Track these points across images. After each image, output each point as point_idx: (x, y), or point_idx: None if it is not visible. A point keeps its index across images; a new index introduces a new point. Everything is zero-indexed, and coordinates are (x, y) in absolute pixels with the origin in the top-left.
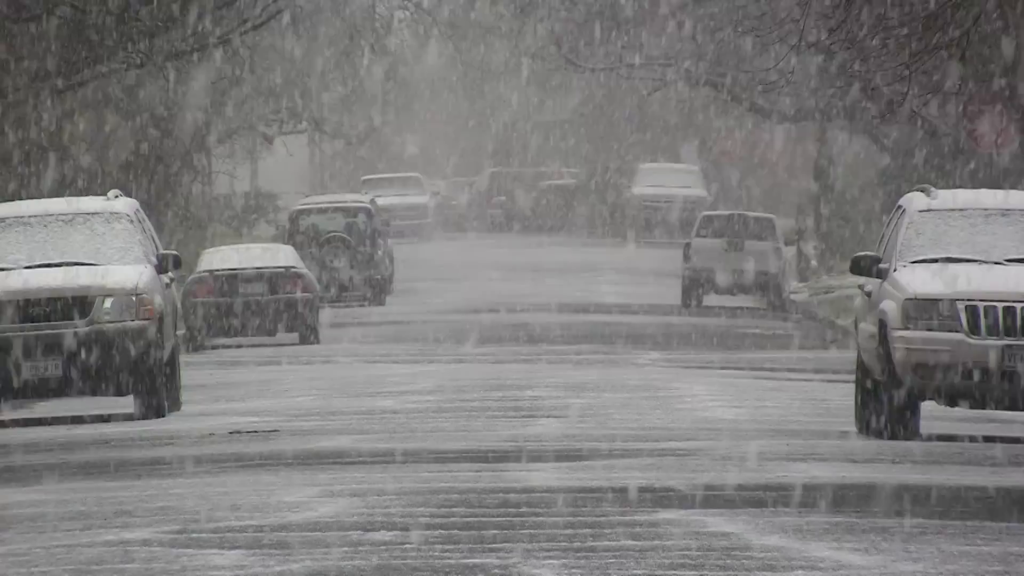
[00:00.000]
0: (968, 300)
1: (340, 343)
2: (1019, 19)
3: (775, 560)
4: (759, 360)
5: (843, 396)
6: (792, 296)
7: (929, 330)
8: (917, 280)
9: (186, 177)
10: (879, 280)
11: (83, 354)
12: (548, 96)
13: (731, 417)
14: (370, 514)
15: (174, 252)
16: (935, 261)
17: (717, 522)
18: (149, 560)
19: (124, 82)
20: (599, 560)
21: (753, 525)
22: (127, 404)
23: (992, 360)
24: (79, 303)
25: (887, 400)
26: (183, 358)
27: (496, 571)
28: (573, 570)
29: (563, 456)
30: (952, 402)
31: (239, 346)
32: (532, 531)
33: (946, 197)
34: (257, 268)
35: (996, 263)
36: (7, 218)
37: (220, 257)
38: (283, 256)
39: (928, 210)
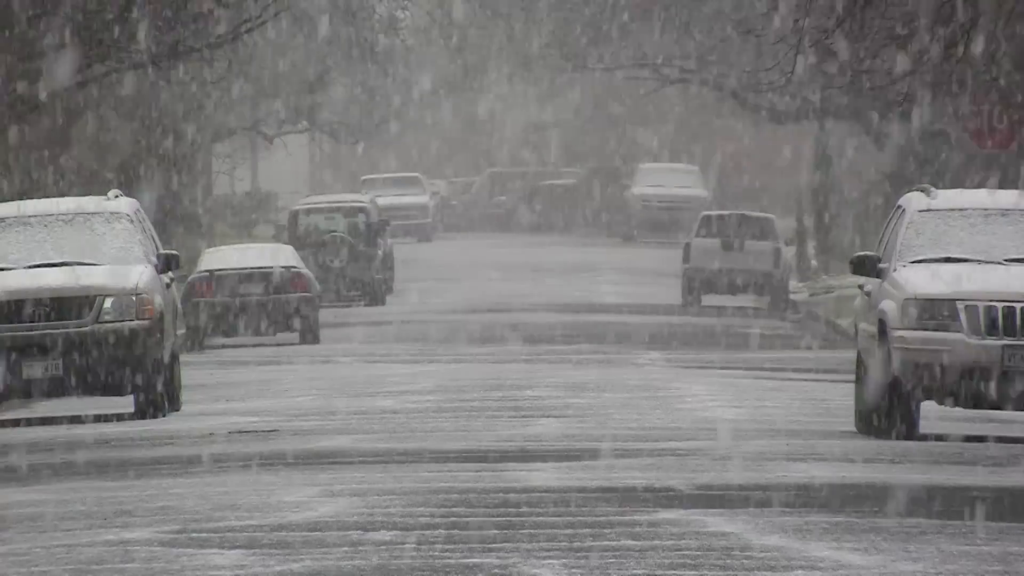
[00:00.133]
0: (968, 300)
1: (340, 343)
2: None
3: (775, 560)
4: (759, 360)
5: (843, 396)
6: (792, 296)
7: (929, 330)
8: (917, 280)
9: (186, 177)
10: (879, 280)
11: (83, 354)
12: (548, 96)
13: (731, 417)
14: (370, 514)
15: (174, 252)
16: (935, 261)
17: (717, 522)
18: (149, 560)
19: (124, 82)
20: (599, 560)
21: (753, 525)
22: (127, 404)
23: (992, 360)
24: (79, 303)
25: (887, 400)
26: (183, 358)
27: (496, 571)
28: (573, 570)
29: (563, 456)
30: (952, 402)
31: (239, 346)
32: (532, 531)
33: (946, 197)
34: (257, 268)
35: (996, 263)
36: (7, 218)
37: (220, 257)
38: (283, 256)
39: (928, 210)
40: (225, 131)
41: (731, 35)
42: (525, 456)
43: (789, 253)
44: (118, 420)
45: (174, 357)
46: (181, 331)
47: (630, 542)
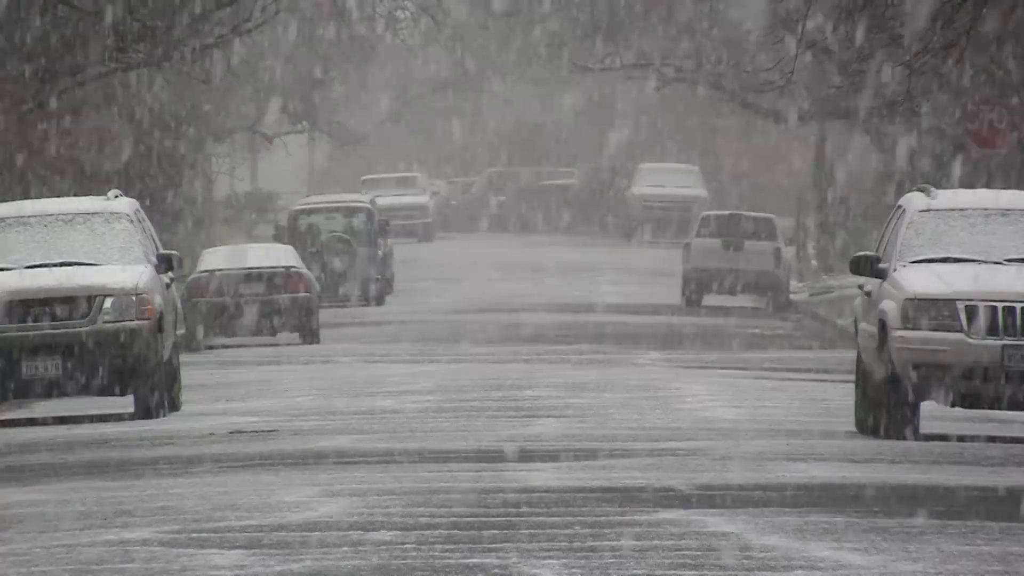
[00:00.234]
0: (968, 300)
1: (340, 343)
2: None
3: (775, 560)
4: (759, 360)
5: (843, 396)
6: (792, 296)
7: (929, 330)
8: (917, 280)
9: (186, 177)
10: (879, 280)
11: (83, 354)
12: (548, 96)
13: (731, 417)
14: (370, 514)
15: (174, 252)
16: (935, 261)
17: (717, 522)
18: (149, 560)
19: (124, 82)
20: (599, 560)
21: (753, 525)
22: (127, 404)
23: (992, 360)
24: (79, 303)
25: (887, 400)
26: (183, 358)
27: (496, 571)
28: (573, 570)
29: (563, 456)
30: (952, 402)
31: (239, 346)
32: (532, 531)
33: (946, 197)
34: (257, 268)
35: (996, 263)
36: (7, 218)
37: (220, 257)
38: (283, 256)
39: (928, 210)
40: (225, 131)
41: (731, 35)
42: (525, 456)
43: (789, 253)
44: (118, 420)
45: (174, 357)
46: (181, 331)
47: (630, 542)
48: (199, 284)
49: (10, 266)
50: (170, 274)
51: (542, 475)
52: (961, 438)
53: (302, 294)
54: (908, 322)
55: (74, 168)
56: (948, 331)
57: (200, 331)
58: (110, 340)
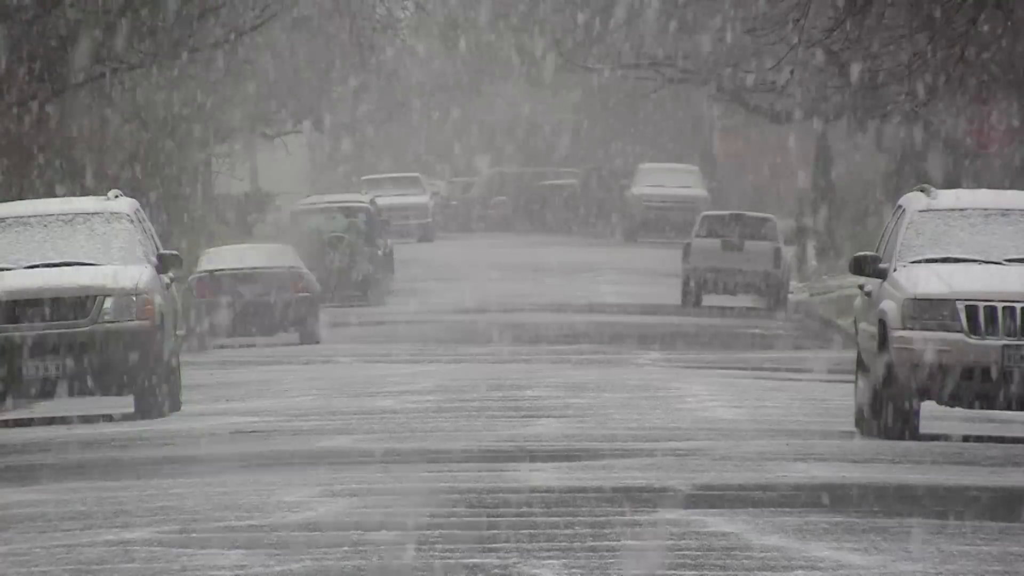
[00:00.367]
0: (968, 300)
1: (340, 343)
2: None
3: (775, 560)
4: (759, 360)
5: (843, 396)
6: (792, 296)
7: (929, 330)
8: (917, 280)
9: (186, 177)
10: (879, 280)
11: (83, 354)
12: (548, 96)
13: (731, 417)
14: (370, 514)
15: (174, 252)
16: (935, 261)
17: (717, 522)
18: (149, 560)
19: (124, 82)
20: (599, 560)
21: (753, 525)
22: (127, 404)
23: (992, 360)
24: (79, 303)
25: (887, 400)
26: (183, 358)
27: (496, 571)
28: (573, 570)
29: (563, 456)
30: (952, 402)
31: (239, 346)
32: (532, 531)
33: (946, 197)
34: (257, 268)
35: (996, 263)
36: (7, 218)
37: (220, 257)
38: (283, 256)
39: (928, 210)
40: (225, 131)
41: (731, 35)
42: (525, 456)
43: (789, 253)
44: (118, 420)
45: (174, 357)
46: (181, 331)
47: (630, 542)
48: (199, 284)
49: (10, 266)
50: (170, 274)
51: (542, 475)
52: (961, 438)
53: (302, 294)
54: (908, 322)
55: (74, 168)
56: (948, 331)
57: (201, 331)
58: (110, 340)
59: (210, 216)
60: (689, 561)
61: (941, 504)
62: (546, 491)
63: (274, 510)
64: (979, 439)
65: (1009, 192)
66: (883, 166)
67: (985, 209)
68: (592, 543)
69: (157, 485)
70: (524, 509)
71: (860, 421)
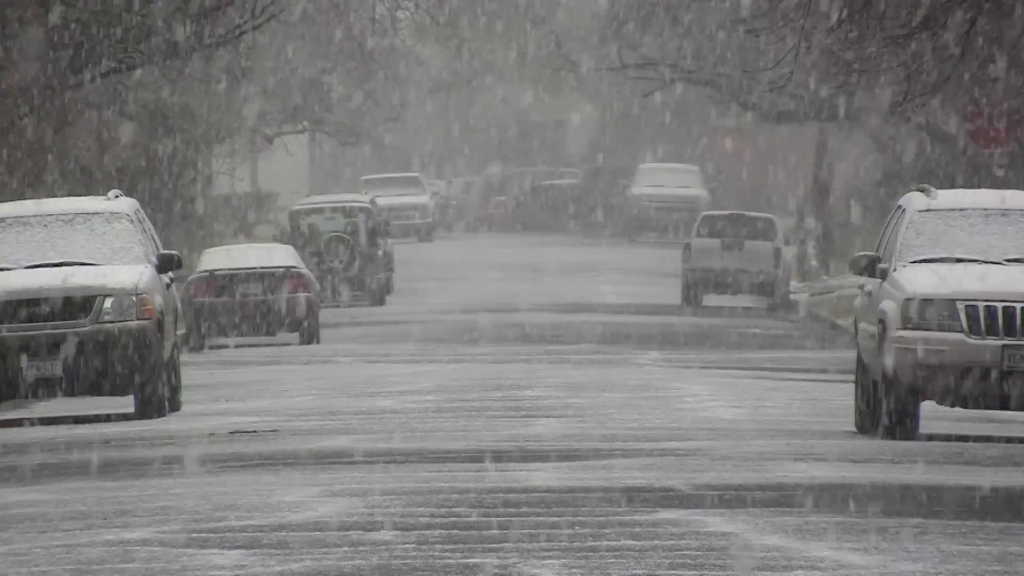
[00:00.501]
0: (968, 300)
1: (340, 343)
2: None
3: (775, 560)
4: (759, 360)
5: (843, 396)
6: (792, 296)
7: (929, 330)
8: (917, 280)
9: (186, 177)
10: (879, 280)
11: (83, 354)
12: (548, 96)
13: (731, 417)
14: (370, 514)
15: (174, 252)
16: (935, 261)
17: (717, 522)
18: (149, 560)
19: (124, 82)
20: (599, 560)
21: (753, 525)
22: (127, 404)
23: (992, 360)
24: (79, 303)
25: (887, 400)
26: (183, 358)
27: (496, 571)
28: (573, 570)
29: (563, 456)
30: (952, 402)
31: (239, 346)
32: (532, 531)
33: (946, 197)
34: (257, 268)
35: (996, 263)
36: (7, 218)
37: (220, 257)
38: (283, 256)
39: (928, 210)
40: (225, 131)
41: (731, 35)
42: (525, 456)
43: (789, 253)
44: (118, 420)
45: (174, 357)
46: (181, 331)
47: (630, 542)
48: (199, 284)
49: (10, 266)
50: (170, 274)
51: (542, 475)
52: (961, 438)
53: (302, 294)
54: (908, 322)
55: (74, 168)
56: (948, 331)
57: (201, 331)
58: (110, 340)
59: (210, 216)
60: (689, 561)
61: (941, 504)
62: (546, 491)
63: (274, 510)
64: (979, 439)
65: (1009, 192)
66: (883, 166)
67: (985, 209)
68: (592, 543)
69: (157, 485)
70: (524, 509)
71: (860, 421)
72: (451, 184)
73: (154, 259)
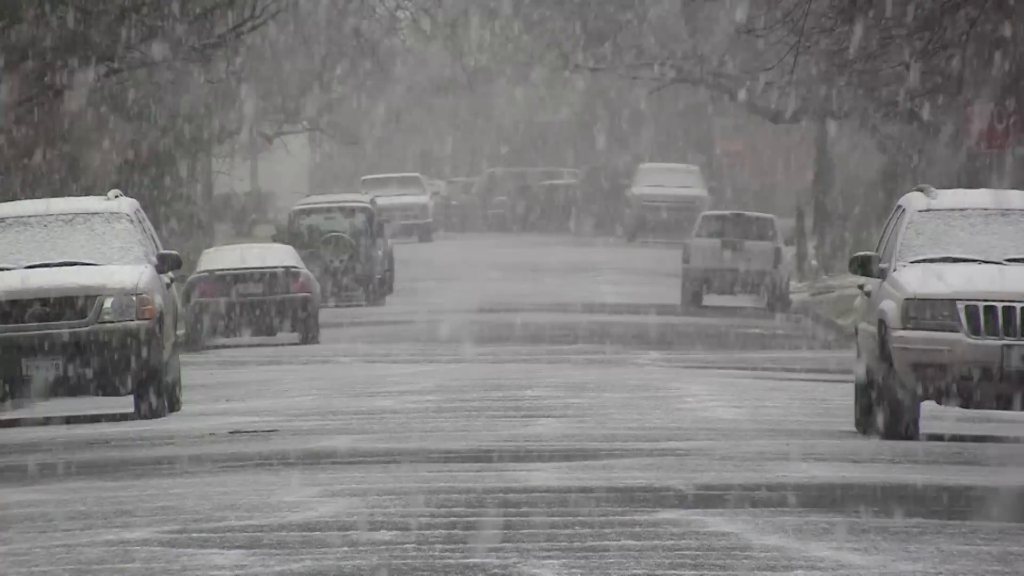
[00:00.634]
0: (968, 300)
1: (340, 343)
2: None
3: (775, 560)
4: (759, 360)
5: (843, 396)
6: (792, 296)
7: (929, 330)
8: (917, 280)
9: (186, 177)
10: (879, 280)
11: (83, 354)
12: (548, 96)
13: (731, 417)
14: (370, 514)
15: (174, 252)
16: (935, 261)
17: (717, 522)
18: (149, 560)
19: (124, 82)
20: (599, 560)
21: (753, 525)
22: (127, 404)
23: (992, 360)
24: (79, 303)
25: (887, 400)
26: (183, 358)
27: (496, 571)
28: (573, 570)
29: (563, 456)
30: (952, 402)
31: (239, 346)
32: (532, 531)
33: (946, 197)
34: (257, 268)
35: (996, 263)
36: (7, 218)
37: (220, 257)
38: (283, 256)
39: (928, 210)
40: (225, 131)
41: (732, 35)
42: (525, 456)
43: (789, 253)
44: (118, 420)
45: (174, 357)
46: (181, 331)
47: (630, 542)
48: (199, 284)
49: (10, 266)
50: (170, 274)
51: (542, 475)
52: (961, 438)
53: (302, 294)
54: (908, 322)
55: (74, 168)
56: (948, 331)
57: (201, 331)
58: (110, 340)
59: (210, 216)
60: (689, 561)
61: (941, 504)
62: (546, 491)
63: (274, 510)
64: (979, 439)
65: (1009, 192)
66: (883, 166)
67: (985, 209)
68: (592, 543)
69: (157, 485)
70: (524, 509)
71: (860, 421)
72: (451, 184)
73: (154, 259)
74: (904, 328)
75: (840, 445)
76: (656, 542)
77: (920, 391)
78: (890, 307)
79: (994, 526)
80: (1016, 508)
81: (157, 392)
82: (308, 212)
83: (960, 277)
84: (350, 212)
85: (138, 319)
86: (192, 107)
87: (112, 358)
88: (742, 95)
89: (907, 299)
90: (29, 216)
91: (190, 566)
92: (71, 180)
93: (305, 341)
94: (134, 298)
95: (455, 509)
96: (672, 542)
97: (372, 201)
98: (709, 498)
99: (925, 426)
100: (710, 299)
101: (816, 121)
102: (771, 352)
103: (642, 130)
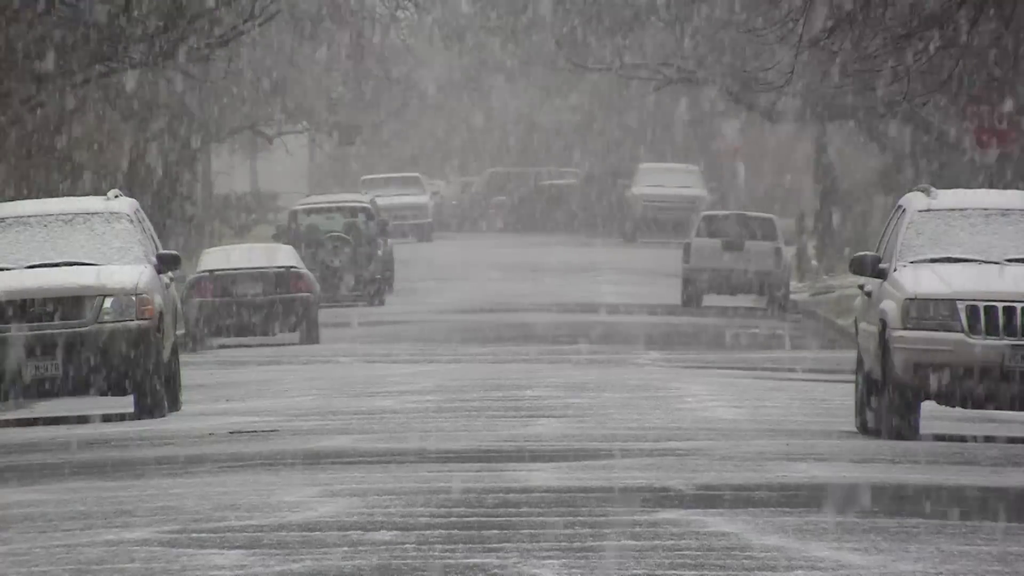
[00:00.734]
0: (968, 300)
1: (340, 343)
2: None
3: (775, 560)
4: (759, 360)
5: (843, 396)
6: (792, 296)
7: (929, 330)
8: (917, 280)
9: (186, 177)
10: (879, 280)
11: (83, 354)
12: (549, 96)
13: (731, 417)
14: (370, 514)
15: (174, 252)
16: (935, 261)
17: (717, 522)
18: (149, 560)
19: (124, 82)
20: (599, 560)
21: (753, 525)
22: (127, 404)
23: (992, 360)
24: (79, 303)
25: (887, 400)
26: (183, 358)
27: (496, 571)
28: (573, 570)
29: (563, 456)
30: (952, 402)
31: (239, 346)
32: (532, 531)
33: (946, 197)
34: (257, 268)
35: (996, 263)
36: (7, 218)
37: (220, 257)
38: (283, 256)
39: (928, 210)
40: (225, 131)
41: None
42: (525, 456)
43: (789, 253)
44: (118, 420)
45: (174, 357)
46: (181, 331)
47: (630, 542)
48: (199, 284)
49: (10, 266)
50: (170, 274)
51: (542, 475)
52: (961, 438)
53: (302, 294)
54: (908, 322)
55: (74, 168)
56: (948, 331)
57: (201, 331)
58: (110, 340)
59: (210, 216)
60: (689, 561)
61: (941, 504)
62: (546, 491)
63: (274, 510)
64: (979, 439)
65: (1009, 192)
66: (883, 166)
67: (985, 209)
68: (592, 543)
69: (157, 485)
70: (524, 509)
71: (860, 421)
72: (451, 184)
73: (154, 259)
74: (904, 328)
75: (840, 445)
76: (656, 542)
77: (920, 391)
78: (890, 307)
79: (994, 526)
80: (1016, 508)
81: (157, 392)
82: (308, 212)
83: (960, 277)
84: (350, 212)
85: (138, 319)
86: (192, 107)
87: (112, 358)
88: (743, 95)
89: (907, 299)
90: (29, 216)
91: (190, 566)
92: (71, 180)
93: (305, 341)
94: (134, 298)
95: (455, 509)
96: (672, 542)
97: (372, 201)
98: (709, 498)
99: (925, 426)
100: (710, 299)
101: (816, 121)
102: (771, 352)
103: (643, 130)
